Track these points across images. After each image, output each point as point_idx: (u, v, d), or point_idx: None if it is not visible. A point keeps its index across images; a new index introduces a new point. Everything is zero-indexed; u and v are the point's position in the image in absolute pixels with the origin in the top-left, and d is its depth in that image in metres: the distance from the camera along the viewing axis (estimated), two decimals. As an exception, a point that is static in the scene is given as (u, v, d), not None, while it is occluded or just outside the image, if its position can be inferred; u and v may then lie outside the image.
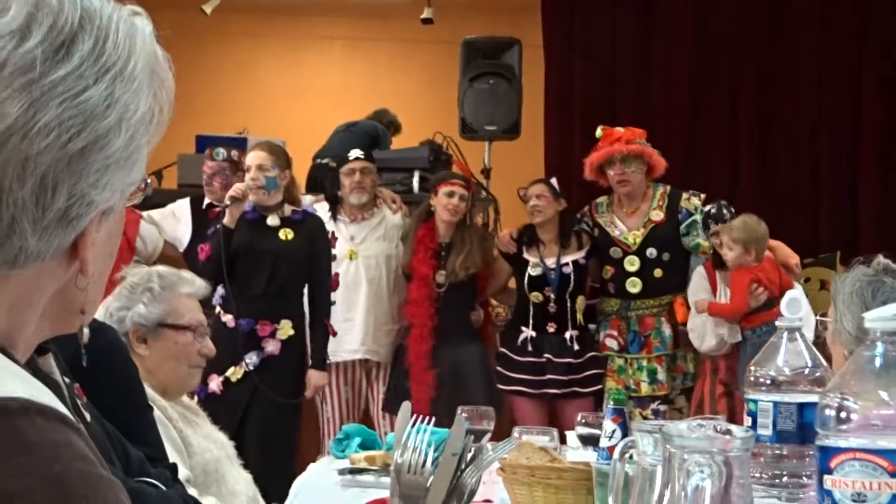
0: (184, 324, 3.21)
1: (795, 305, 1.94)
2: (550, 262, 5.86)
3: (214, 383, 5.28)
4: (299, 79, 10.22)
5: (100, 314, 3.06)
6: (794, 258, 5.74)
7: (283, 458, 5.26)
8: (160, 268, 3.32)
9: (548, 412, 5.82)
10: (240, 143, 7.29)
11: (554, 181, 6.00)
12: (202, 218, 5.87)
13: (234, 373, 5.31)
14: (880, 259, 3.07)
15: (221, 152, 6.04)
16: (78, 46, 0.98)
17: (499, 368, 5.90)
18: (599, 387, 5.79)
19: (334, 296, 5.79)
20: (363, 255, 5.95)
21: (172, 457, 3.01)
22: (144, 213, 6.10)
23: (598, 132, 5.96)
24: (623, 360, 5.85)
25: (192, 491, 3.01)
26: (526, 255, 5.92)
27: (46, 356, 2.05)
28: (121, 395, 2.56)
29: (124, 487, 1.86)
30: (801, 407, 1.62)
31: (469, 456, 1.87)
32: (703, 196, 5.95)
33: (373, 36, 10.34)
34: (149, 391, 2.94)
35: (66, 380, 2.15)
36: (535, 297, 5.85)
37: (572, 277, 5.84)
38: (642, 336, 5.85)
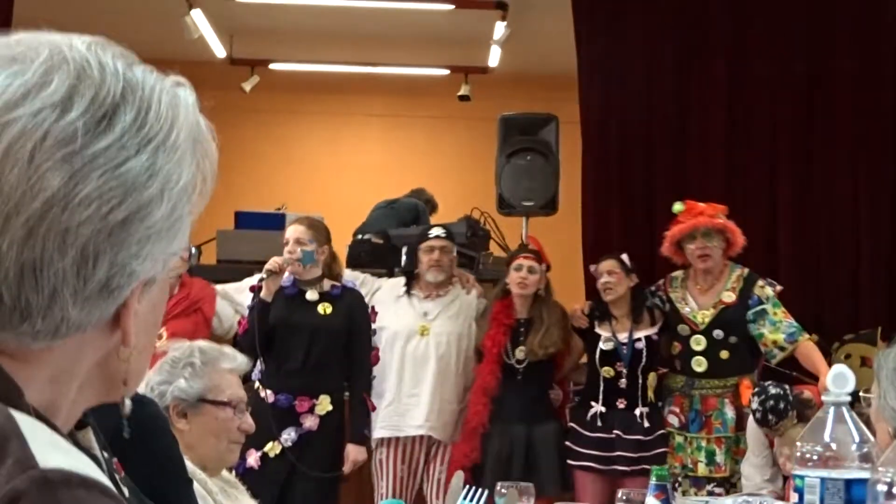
0: (224, 399, 3.21)
1: (842, 380, 1.92)
2: (623, 336, 5.81)
3: (252, 458, 5.27)
4: (337, 156, 10.31)
5: (141, 388, 3.07)
6: None
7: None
8: (202, 343, 3.32)
9: (615, 490, 5.73)
10: (278, 220, 7.35)
11: (625, 257, 5.94)
12: None
13: (273, 448, 5.30)
14: (923, 333, 3.04)
15: None
16: (120, 118, 0.99)
17: (568, 443, 5.82)
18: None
19: (402, 370, 5.82)
20: (434, 331, 5.93)
21: (211, 532, 2.99)
22: (219, 287, 6.14)
23: (678, 206, 5.91)
24: (683, 437, 5.77)
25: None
26: (598, 330, 5.87)
27: (86, 430, 2.04)
28: (161, 469, 2.55)
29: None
30: (849, 483, 1.59)
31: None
32: (778, 287, 5.89)
33: (410, 113, 10.44)
34: (189, 465, 2.93)
35: (105, 454, 2.15)
36: (607, 371, 5.79)
37: (644, 353, 5.78)
38: (703, 415, 5.75)
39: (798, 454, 1.90)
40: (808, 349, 5.72)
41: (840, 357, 7.22)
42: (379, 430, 5.88)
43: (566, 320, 5.98)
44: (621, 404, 5.77)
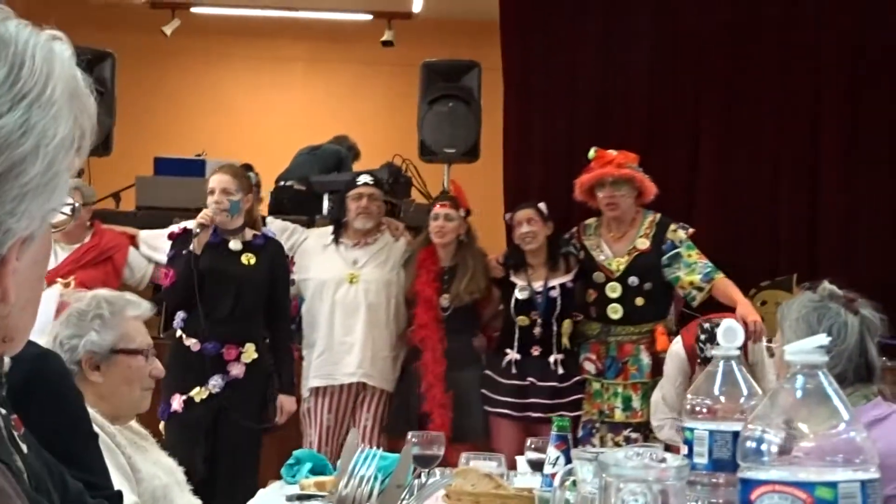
0: (136, 347, 3.21)
1: (731, 335, 1.95)
2: (538, 285, 5.82)
3: (177, 402, 5.28)
4: (260, 101, 10.23)
5: (49, 342, 3.05)
6: (751, 315, 5.57)
7: (248, 483, 5.24)
8: (104, 292, 3.30)
9: (529, 435, 5.77)
10: (198, 166, 7.29)
11: (542, 205, 5.97)
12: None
13: (199, 393, 5.29)
14: (825, 285, 3.10)
15: None
16: None
17: (483, 391, 5.86)
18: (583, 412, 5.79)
19: (332, 318, 5.84)
20: (364, 279, 5.92)
21: (120, 484, 2.99)
22: (142, 233, 6.10)
23: (591, 153, 5.93)
24: (600, 384, 5.82)
25: (140, 518, 2.99)
26: (513, 279, 5.89)
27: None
28: (63, 424, 2.54)
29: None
30: (737, 435, 1.62)
31: (416, 485, 1.86)
32: (690, 230, 5.94)
33: (334, 58, 10.37)
34: (97, 417, 2.92)
35: (3, 411, 2.13)
36: (522, 320, 5.81)
37: (559, 301, 5.81)
38: (620, 362, 5.80)
39: (688, 406, 1.94)
40: (724, 284, 5.78)
41: (756, 304, 7.33)
42: (313, 380, 5.89)
43: (488, 267, 6.02)
44: (536, 352, 5.81)
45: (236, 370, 5.34)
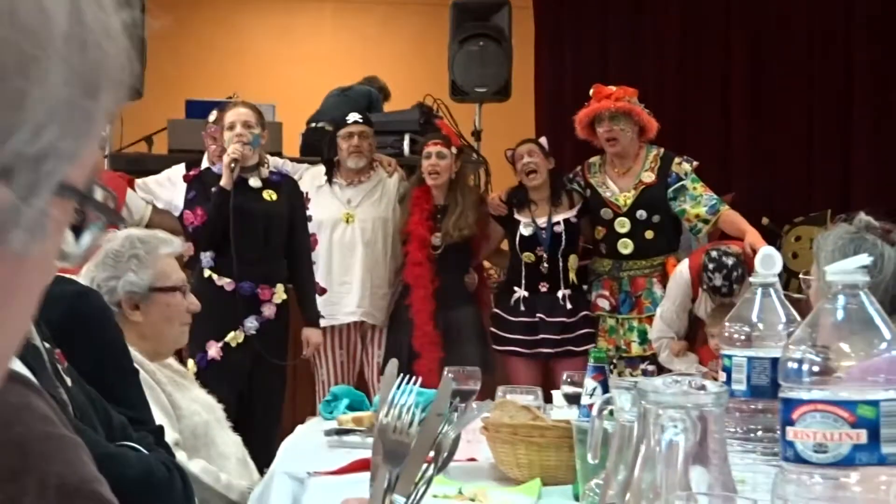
0: (172, 285, 3.25)
1: (769, 262, 1.95)
2: (542, 221, 5.85)
3: (213, 350, 5.25)
4: (290, 44, 10.19)
5: (86, 283, 3.08)
6: (759, 242, 5.57)
7: (272, 420, 5.29)
8: (136, 231, 3.34)
9: (542, 372, 5.82)
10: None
11: (543, 140, 5.99)
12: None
13: (235, 337, 5.28)
14: (862, 216, 3.08)
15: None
16: None
17: (493, 329, 5.90)
18: (592, 346, 5.79)
19: (330, 258, 5.84)
20: (359, 218, 5.94)
21: (161, 420, 3.03)
22: (139, 181, 6.09)
23: (592, 91, 5.95)
24: (615, 320, 5.85)
25: (180, 454, 3.04)
26: (517, 216, 5.91)
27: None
28: (105, 360, 2.57)
29: (105, 451, 1.88)
30: (775, 362, 1.62)
31: (455, 416, 1.87)
32: (695, 163, 5.92)
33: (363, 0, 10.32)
34: (136, 355, 2.96)
35: (47, 345, 2.17)
36: (528, 257, 5.85)
37: (564, 236, 5.83)
38: (633, 296, 5.84)
39: (726, 334, 1.94)
40: (731, 216, 5.77)
41: (791, 239, 7.32)
42: None
43: (483, 204, 6.03)
44: (544, 288, 5.83)
45: (268, 311, 5.34)
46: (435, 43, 7.76)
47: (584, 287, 5.95)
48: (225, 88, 7.91)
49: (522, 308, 5.84)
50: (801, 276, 3.83)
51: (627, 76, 7.04)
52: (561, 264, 5.83)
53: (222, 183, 5.32)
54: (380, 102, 8.11)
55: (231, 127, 5.41)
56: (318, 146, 7.04)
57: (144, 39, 7.38)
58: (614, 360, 5.75)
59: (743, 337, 1.92)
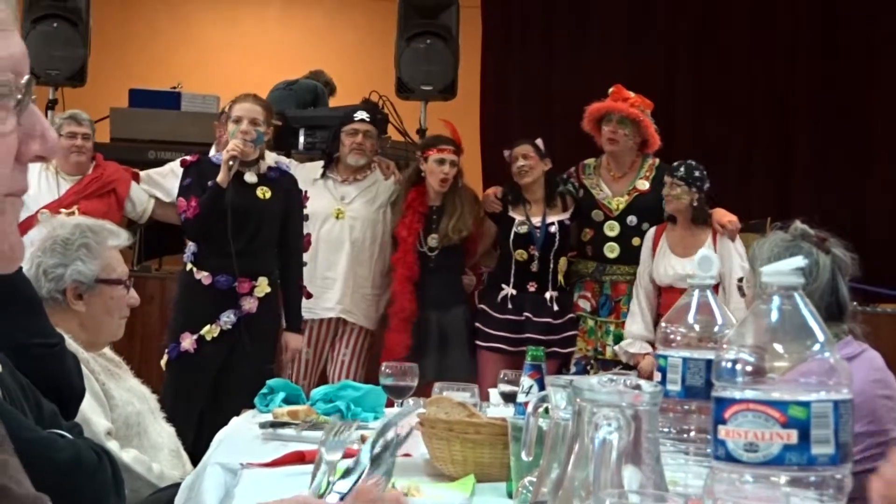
0: (117, 277, 3.23)
1: (707, 264, 1.96)
2: (536, 220, 5.84)
3: (188, 342, 5.22)
4: (235, 35, 10.13)
5: (31, 269, 3.05)
6: (726, 216, 5.70)
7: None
8: (84, 220, 3.30)
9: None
10: (173, 99, 7.24)
11: (539, 141, 5.96)
12: None
13: (210, 331, 5.23)
14: (798, 224, 3.12)
15: None
16: None
17: (477, 324, 5.87)
18: (577, 349, 5.83)
19: (316, 252, 5.82)
20: (350, 215, 5.91)
21: (94, 409, 3.01)
22: (143, 174, 6.06)
23: (611, 90, 5.96)
24: (594, 321, 5.88)
25: (113, 443, 3.01)
26: (512, 214, 5.88)
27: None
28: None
29: (34, 435, 1.85)
30: (710, 363, 1.64)
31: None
32: None
33: (311, -8, 10.28)
34: (72, 344, 2.94)
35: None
36: (520, 254, 5.81)
37: (557, 237, 5.83)
38: (613, 301, 5.86)
39: (661, 335, 1.95)
40: (718, 213, 5.83)
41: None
42: None
43: (478, 205, 6.02)
44: (532, 287, 5.83)
45: (248, 304, 5.28)
46: (382, 39, 7.76)
47: (569, 288, 5.95)
48: (169, 78, 7.86)
49: (510, 306, 5.82)
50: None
51: (573, 77, 7.08)
52: (551, 265, 5.83)
53: (219, 179, 5.27)
54: (325, 97, 8.09)
55: (237, 120, 5.36)
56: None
57: (89, 26, 7.35)
58: (591, 361, 5.79)
59: (678, 338, 1.93)
